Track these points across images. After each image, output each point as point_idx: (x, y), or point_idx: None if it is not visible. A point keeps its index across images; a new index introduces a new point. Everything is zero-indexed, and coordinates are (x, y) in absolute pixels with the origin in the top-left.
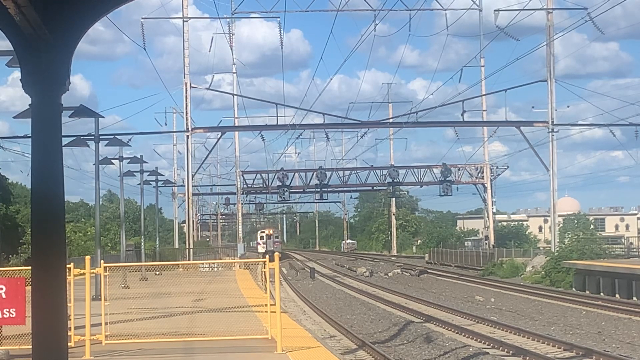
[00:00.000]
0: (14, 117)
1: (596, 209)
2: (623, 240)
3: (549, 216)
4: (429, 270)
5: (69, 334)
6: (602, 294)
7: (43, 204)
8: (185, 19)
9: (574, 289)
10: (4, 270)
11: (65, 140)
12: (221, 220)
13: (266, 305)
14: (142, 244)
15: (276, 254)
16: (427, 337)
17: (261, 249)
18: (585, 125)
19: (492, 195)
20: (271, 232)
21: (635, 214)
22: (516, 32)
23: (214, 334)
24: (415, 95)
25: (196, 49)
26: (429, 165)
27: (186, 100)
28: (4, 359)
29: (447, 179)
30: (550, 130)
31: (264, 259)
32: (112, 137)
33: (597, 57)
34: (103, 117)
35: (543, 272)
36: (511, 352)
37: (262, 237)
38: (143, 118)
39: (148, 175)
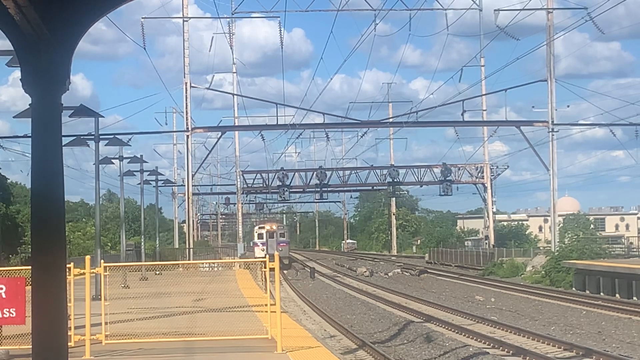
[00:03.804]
0: (14, 117)
1: (596, 208)
2: (623, 240)
3: (549, 216)
4: (429, 270)
5: (69, 333)
6: (602, 293)
7: (43, 204)
8: (185, 19)
9: (574, 288)
10: (4, 270)
11: (65, 140)
12: (221, 220)
13: (266, 305)
14: (142, 243)
15: (276, 253)
16: (427, 337)
17: (259, 252)
18: (585, 125)
19: (492, 195)
20: (274, 227)
21: (635, 214)
22: (516, 31)
23: (214, 334)
24: (417, 94)
25: (197, 49)
26: (429, 165)
27: (186, 100)
28: (4, 359)
29: (447, 178)
30: (550, 130)
31: (263, 259)
32: (112, 136)
33: (599, 57)
34: (103, 116)
35: (543, 272)
36: (511, 352)
37: (260, 235)
38: (143, 118)
39: (148, 174)
